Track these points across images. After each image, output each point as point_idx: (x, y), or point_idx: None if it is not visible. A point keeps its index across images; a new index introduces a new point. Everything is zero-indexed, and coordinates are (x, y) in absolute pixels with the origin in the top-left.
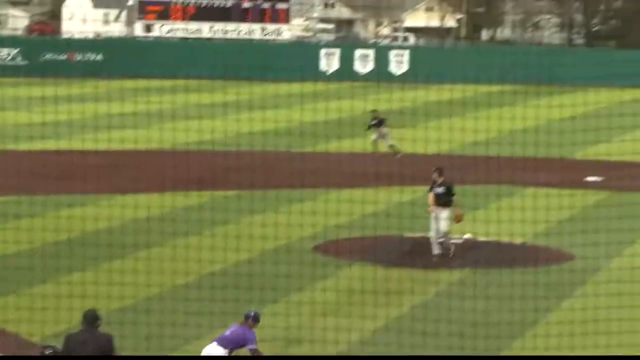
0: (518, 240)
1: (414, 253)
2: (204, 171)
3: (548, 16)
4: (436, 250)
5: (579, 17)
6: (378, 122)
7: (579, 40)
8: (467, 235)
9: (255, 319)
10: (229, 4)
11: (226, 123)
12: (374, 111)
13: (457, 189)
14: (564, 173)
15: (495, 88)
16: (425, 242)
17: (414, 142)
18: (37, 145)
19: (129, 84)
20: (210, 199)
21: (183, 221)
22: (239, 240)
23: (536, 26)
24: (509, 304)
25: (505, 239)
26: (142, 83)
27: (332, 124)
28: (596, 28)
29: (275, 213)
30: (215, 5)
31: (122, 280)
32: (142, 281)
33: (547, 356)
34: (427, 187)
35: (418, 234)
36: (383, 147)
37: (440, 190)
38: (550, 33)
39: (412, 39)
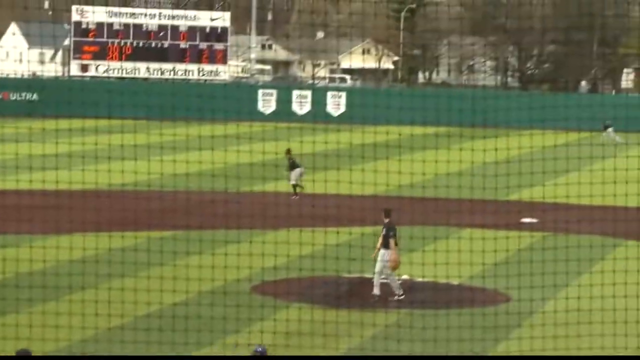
0: (454, 282)
1: (352, 294)
2: (140, 212)
3: (483, 59)
4: (376, 291)
5: (513, 61)
6: (292, 164)
7: (514, 83)
8: (404, 277)
9: (263, 354)
10: (166, 44)
11: (162, 164)
12: (288, 151)
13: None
14: (499, 215)
15: (430, 130)
16: (362, 283)
17: (350, 184)
18: None
19: (64, 124)
20: (146, 240)
21: (119, 263)
22: (176, 282)
23: (471, 69)
24: (445, 346)
25: (441, 280)
26: (77, 123)
27: (269, 165)
28: (530, 72)
29: (211, 254)
30: (152, 46)
31: (57, 323)
32: (76, 323)
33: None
34: (363, 229)
35: (355, 275)
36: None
37: (384, 231)
38: (486, 76)
39: (349, 81)
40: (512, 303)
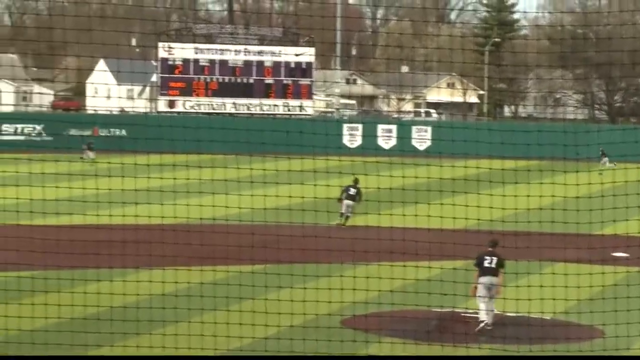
0: (548, 317)
1: (443, 328)
2: (231, 246)
3: (570, 92)
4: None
5: (601, 94)
6: (348, 193)
7: (602, 116)
8: (495, 311)
9: None
10: (252, 80)
11: (253, 198)
12: (355, 180)
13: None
14: (594, 249)
15: (520, 164)
16: (454, 318)
17: (441, 218)
18: (64, 220)
19: (155, 159)
20: (238, 274)
21: (210, 296)
22: (267, 316)
23: (558, 102)
24: None
25: (535, 315)
26: (167, 159)
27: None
28: (618, 104)
29: (303, 288)
30: (238, 81)
31: (152, 354)
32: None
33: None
34: (455, 263)
35: (447, 310)
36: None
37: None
38: (573, 109)
39: (434, 115)
40: (607, 339)
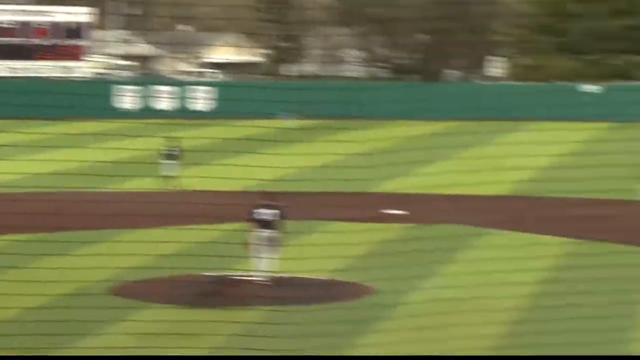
0: (320, 276)
1: (216, 293)
2: (3, 214)
3: (353, 50)
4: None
5: (383, 51)
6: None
7: (384, 74)
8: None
9: None
10: (16, 40)
11: (19, 164)
12: (174, 142)
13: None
14: (365, 207)
15: (303, 123)
16: (226, 281)
17: (223, 179)
18: None
19: None
20: (8, 244)
21: None
22: (30, 286)
23: (341, 60)
24: (315, 341)
25: (307, 275)
26: None
27: (140, 163)
28: (401, 62)
29: (69, 256)
30: (9, 43)
31: None
32: None
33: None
34: (233, 225)
35: (219, 273)
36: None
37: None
38: (355, 67)
39: (219, 75)
40: (376, 295)
